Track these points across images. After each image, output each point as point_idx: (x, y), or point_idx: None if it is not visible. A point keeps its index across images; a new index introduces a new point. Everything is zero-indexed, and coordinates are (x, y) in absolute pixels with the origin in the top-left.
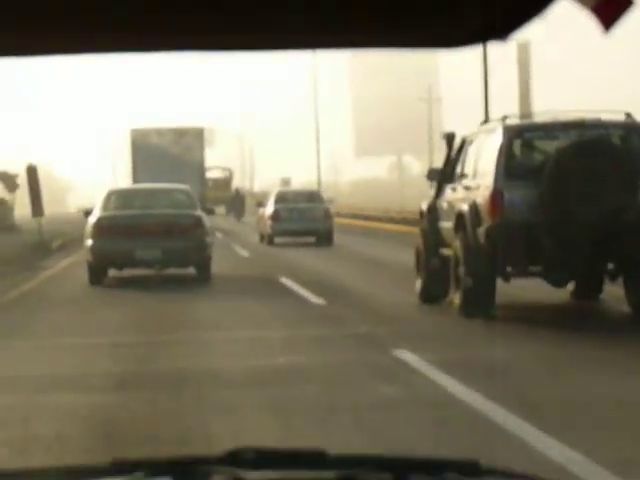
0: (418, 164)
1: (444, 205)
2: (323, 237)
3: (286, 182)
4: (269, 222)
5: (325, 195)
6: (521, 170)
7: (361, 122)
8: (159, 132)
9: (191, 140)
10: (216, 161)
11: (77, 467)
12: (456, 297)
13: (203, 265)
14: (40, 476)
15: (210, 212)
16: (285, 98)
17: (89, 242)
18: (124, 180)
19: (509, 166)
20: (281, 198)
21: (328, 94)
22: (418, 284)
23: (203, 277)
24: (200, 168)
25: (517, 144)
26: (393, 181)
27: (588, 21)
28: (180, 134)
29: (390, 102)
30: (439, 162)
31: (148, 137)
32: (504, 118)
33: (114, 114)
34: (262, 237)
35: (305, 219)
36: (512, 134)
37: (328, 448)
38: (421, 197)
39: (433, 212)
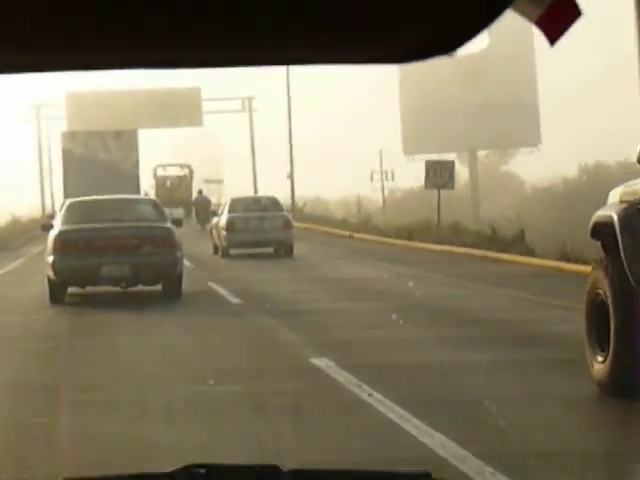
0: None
1: None
2: (282, 248)
3: None
4: (223, 232)
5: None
6: None
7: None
8: (91, 135)
9: (125, 142)
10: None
11: None
12: None
13: (174, 282)
14: None
15: (178, 224)
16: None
17: (50, 258)
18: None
19: None
20: (236, 206)
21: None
22: (597, 364)
23: (173, 295)
24: (135, 173)
25: None
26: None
27: None
28: (113, 136)
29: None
30: None
31: (79, 140)
32: None
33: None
34: (216, 248)
35: (262, 229)
36: None
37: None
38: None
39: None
